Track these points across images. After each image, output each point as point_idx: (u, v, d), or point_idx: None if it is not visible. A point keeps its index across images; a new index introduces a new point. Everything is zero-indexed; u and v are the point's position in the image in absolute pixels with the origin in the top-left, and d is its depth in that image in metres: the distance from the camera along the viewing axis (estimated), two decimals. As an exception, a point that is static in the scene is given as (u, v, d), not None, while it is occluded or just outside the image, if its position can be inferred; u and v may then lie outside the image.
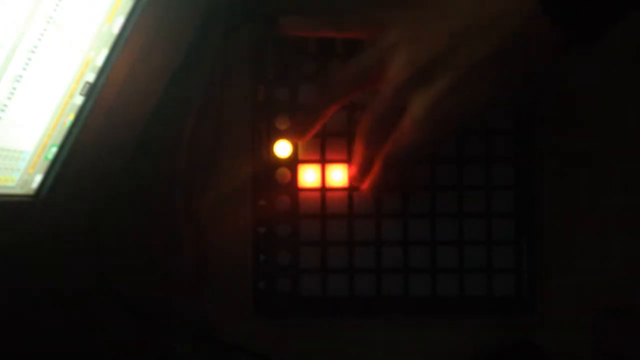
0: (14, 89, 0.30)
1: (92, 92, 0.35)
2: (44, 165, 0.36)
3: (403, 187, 0.41)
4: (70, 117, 0.35)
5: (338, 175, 0.43)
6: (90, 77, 0.35)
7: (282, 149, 0.43)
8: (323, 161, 0.43)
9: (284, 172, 0.43)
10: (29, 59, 0.30)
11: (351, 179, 0.41)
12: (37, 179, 0.36)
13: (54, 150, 0.36)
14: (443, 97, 0.33)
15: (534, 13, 0.30)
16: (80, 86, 0.35)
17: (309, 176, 0.43)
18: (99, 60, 0.35)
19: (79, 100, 0.35)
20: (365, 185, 0.39)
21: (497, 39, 0.32)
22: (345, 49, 0.43)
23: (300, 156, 0.43)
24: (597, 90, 0.44)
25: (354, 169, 0.40)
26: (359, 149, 0.38)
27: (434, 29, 0.33)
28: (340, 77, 0.37)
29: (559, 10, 0.30)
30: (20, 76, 0.30)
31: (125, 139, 0.42)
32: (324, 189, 0.43)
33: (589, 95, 0.44)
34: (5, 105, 0.30)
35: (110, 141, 0.40)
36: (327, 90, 0.38)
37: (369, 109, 0.36)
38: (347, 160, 0.43)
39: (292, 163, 0.43)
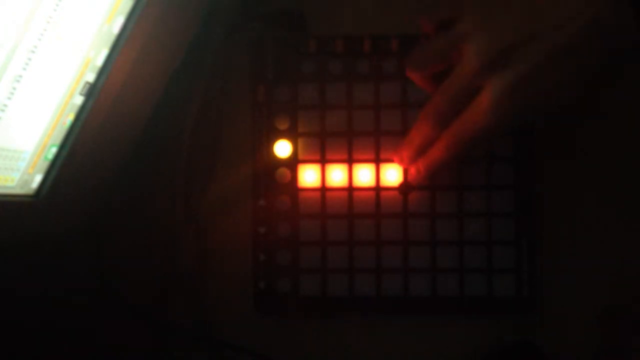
0: (14, 89, 0.30)
1: (92, 92, 0.35)
2: (44, 165, 0.36)
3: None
4: (70, 117, 0.35)
5: (338, 175, 0.43)
6: (90, 77, 0.35)
7: (282, 149, 0.43)
8: (323, 161, 0.43)
9: (284, 172, 0.43)
10: (29, 59, 0.30)
11: (403, 158, 0.41)
12: (37, 179, 0.36)
13: (54, 150, 0.36)
14: (521, 83, 0.33)
15: (616, 3, 0.31)
16: (80, 86, 0.35)
17: (309, 176, 0.43)
18: (99, 60, 0.35)
19: (79, 100, 0.35)
20: (424, 164, 0.39)
21: (577, 28, 0.32)
22: (346, 48, 0.43)
23: (300, 156, 0.43)
24: (597, 89, 0.44)
25: (412, 148, 0.39)
26: (423, 128, 0.38)
27: (514, 16, 0.34)
28: (418, 53, 0.38)
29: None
30: (20, 76, 0.30)
31: (125, 139, 0.42)
32: (324, 189, 0.43)
33: (588, 95, 0.44)
34: (5, 105, 0.30)
35: (110, 141, 0.40)
36: (410, 65, 0.39)
37: (443, 88, 0.36)
38: (348, 160, 0.43)
39: (292, 163, 0.43)
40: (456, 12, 0.36)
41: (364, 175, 0.43)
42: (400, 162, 0.41)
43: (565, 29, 0.32)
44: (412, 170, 0.41)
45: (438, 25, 0.37)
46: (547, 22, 0.33)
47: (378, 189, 0.43)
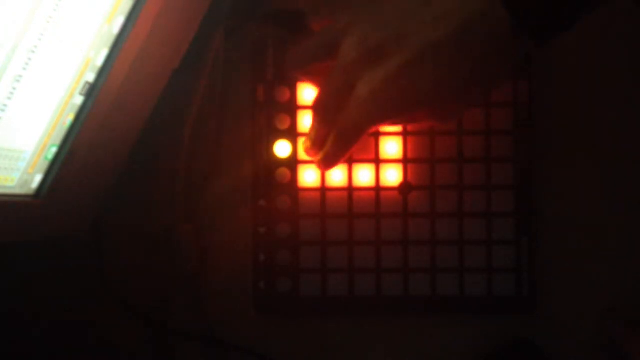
0: (14, 89, 0.30)
1: (92, 92, 0.35)
2: (44, 165, 0.36)
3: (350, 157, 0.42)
4: (70, 117, 0.35)
5: (338, 175, 0.43)
6: (90, 77, 0.35)
7: (282, 149, 0.43)
8: (323, 161, 0.43)
9: (284, 172, 0.43)
10: (29, 59, 0.30)
11: (306, 151, 0.42)
12: (37, 179, 0.36)
13: (54, 150, 0.36)
14: (389, 79, 0.33)
15: (491, 5, 0.30)
16: (80, 86, 0.35)
17: (309, 176, 0.43)
18: (99, 60, 0.35)
19: (79, 100, 0.35)
20: (320, 159, 0.40)
21: (449, 26, 0.32)
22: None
23: (300, 156, 0.43)
24: (597, 89, 0.44)
25: (309, 143, 0.40)
26: (314, 124, 0.39)
27: (387, 13, 0.34)
28: (298, 51, 0.39)
29: (516, 3, 0.30)
30: (20, 76, 0.30)
31: (125, 139, 0.42)
32: (324, 189, 0.43)
33: (588, 94, 0.44)
34: (5, 105, 0.30)
35: (110, 141, 0.40)
36: (290, 62, 0.39)
37: (323, 85, 0.37)
38: (347, 160, 0.43)
39: (292, 163, 0.43)
40: (335, 10, 0.37)
41: (363, 175, 0.43)
42: (306, 154, 0.42)
43: (436, 25, 0.32)
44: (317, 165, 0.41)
45: (324, 23, 0.38)
46: (418, 18, 0.32)
47: (378, 189, 0.43)
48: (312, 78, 0.40)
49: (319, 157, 0.39)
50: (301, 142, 0.43)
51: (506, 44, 0.31)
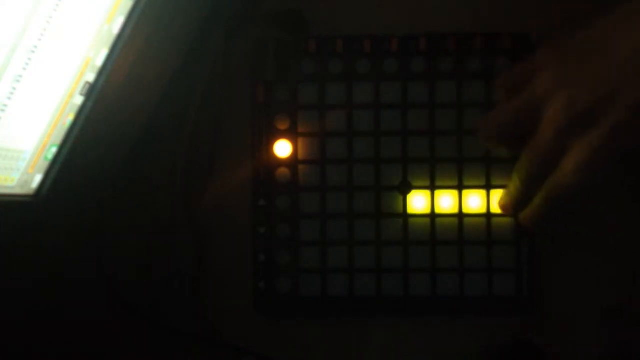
0: (14, 89, 0.30)
1: (92, 92, 0.35)
2: (44, 165, 0.36)
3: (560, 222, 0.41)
4: (70, 117, 0.35)
5: (338, 175, 0.43)
6: (90, 77, 0.35)
7: (282, 149, 0.43)
8: (323, 161, 0.43)
9: (284, 172, 0.43)
10: (29, 59, 0.30)
11: (501, 208, 0.41)
12: (37, 179, 0.36)
13: (54, 150, 0.36)
14: (605, 142, 0.33)
15: None
16: (80, 86, 0.35)
17: (309, 176, 0.43)
18: (99, 60, 0.35)
19: (79, 100, 0.35)
20: (524, 217, 0.39)
21: None
22: (346, 48, 0.43)
23: (300, 156, 0.43)
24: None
25: (509, 202, 0.40)
26: (516, 187, 0.38)
27: (591, 73, 0.33)
28: (498, 120, 0.37)
29: None
30: (20, 76, 0.30)
31: (125, 139, 0.42)
32: (324, 189, 0.43)
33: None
34: (5, 105, 0.30)
35: (110, 141, 0.40)
36: (486, 133, 0.38)
37: (528, 151, 0.36)
38: (348, 160, 0.43)
39: (292, 163, 0.43)
40: (529, 73, 0.35)
41: (364, 175, 0.43)
42: (502, 210, 0.42)
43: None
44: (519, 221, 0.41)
45: (512, 88, 0.36)
46: (624, 77, 0.32)
47: (378, 189, 0.43)
48: (504, 146, 0.39)
49: (522, 215, 0.39)
50: (301, 142, 0.43)
51: None
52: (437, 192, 0.43)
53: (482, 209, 0.43)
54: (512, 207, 0.40)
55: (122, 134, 0.41)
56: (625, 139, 0.33)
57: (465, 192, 0.43)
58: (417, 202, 0.43)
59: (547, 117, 0.34)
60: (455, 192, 0.43)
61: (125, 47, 0.35)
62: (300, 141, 0.43)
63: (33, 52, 0.30)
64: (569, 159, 0.34)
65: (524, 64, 0.36)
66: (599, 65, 0.33)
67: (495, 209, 0.43)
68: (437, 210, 0.43)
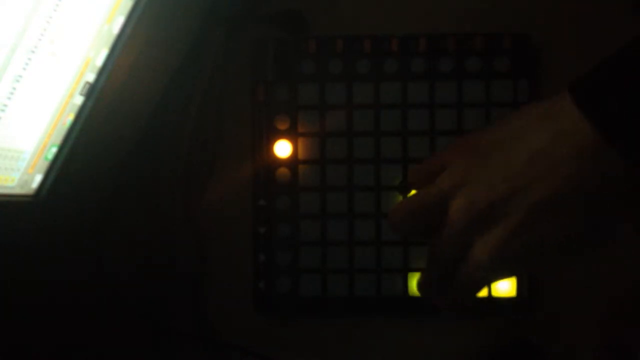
0: (14, 89, 0.30)
1: (92, 92, 0.35)
2: (44, 165, 0.36)
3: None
4: (70, 117, 0.35)
5: (338, 175, 0.43)
6: (90, 77, 0.35)
7: (282, 149, 0.43)
8: (323, 161, 0.43)
9: (284, 172, 0.43)
10: (29, 59, 0.30)
11: (419, 291, 0.39)
12: (37, 179, 0.36)
13: (54, 150, 0.36)
14: (504, 242, 0.33)
15: (597, 151, 0.30)
16: (80, 86, 0.35)
17: (309, 176, 0.43)
18: (99, 60, 0.35)
19: (79, 100, 0.35)
20: (440, 303, 0.38)
21: (558, 181, 0.31)
22: (346, 48, 0.43)
23: (300, 156, 0.43)
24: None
25: (425, 293, 0.38)
26: (429, 276, 0.37)
27: (493, 173, 0.33)
28: (405, 211, 0.36)
29: (624, 143, 0.29)
30: (20, 76, 0.30)
31: (125, 139, 0.42)
32: (324, 189, 0.43)
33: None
34: (5, 105, 0.30)
35: (110, 141, 0.40)
36: (395, 225, 0.37)
37: (436, 242, 0.35)
38: (348, 160, 0.43)
39: (292, 163, 0.43)
40: (438, 167, 0.35)
41: (364, 175, 0.43)
42: (419, 293, 0.40)
43: (545, 182, 0.31)
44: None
45: (424, 178, 0.36)
46: (522, 178, 0.32)
47: (378, 189, 0.43)
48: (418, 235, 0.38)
49: (446, 303, 0.38)
50: (301, 142, 0.43)
51: (622, 183, 0.31)
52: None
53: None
54: (428, 296, 0.38)
55: (122, 134, 0.41)
56: (527, 236, 0.32)
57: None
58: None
59: (450, 214, 0.34)
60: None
61: (125, 47, 0.35)
62: (300, 141, 0.43)
63: (33, 52, 0.30)
64: (472, 254, 0.34)
65: (434, 158, 0.36)
66: (501, 166, 0.33)
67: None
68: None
